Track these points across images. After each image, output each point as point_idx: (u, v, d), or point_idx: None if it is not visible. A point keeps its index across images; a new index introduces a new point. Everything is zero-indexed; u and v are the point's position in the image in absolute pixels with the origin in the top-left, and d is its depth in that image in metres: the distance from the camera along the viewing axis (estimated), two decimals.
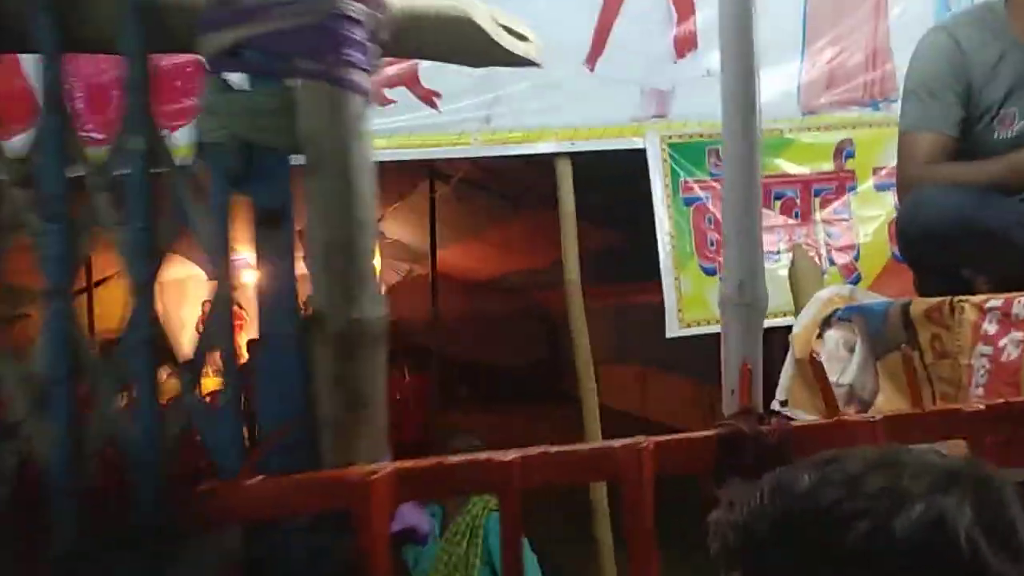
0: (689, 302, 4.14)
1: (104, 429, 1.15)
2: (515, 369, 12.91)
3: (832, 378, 1.85)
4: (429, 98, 4.05)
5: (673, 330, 4.18)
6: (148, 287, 1.23)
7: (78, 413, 1.14)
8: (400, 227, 11.26)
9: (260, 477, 1.06)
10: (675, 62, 4.22)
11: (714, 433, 1.17)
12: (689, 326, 4.16)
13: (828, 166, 4.35)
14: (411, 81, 4.04)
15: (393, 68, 4.01)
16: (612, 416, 11.05)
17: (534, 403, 10.64)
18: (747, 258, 1.33)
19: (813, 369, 1.56)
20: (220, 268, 1.15)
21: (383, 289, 13.30)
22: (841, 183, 4.37)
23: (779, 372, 2.28)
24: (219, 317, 1.19)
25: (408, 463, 1.13)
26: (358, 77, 1.21)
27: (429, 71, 4.04)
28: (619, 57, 4.16)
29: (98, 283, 12.68)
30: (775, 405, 2.13)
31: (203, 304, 17.50)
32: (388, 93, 4.03)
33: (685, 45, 4.17)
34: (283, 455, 1.07)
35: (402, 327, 14.25)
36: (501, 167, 6.41)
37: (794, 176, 4.32)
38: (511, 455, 1.15)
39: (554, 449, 1.19)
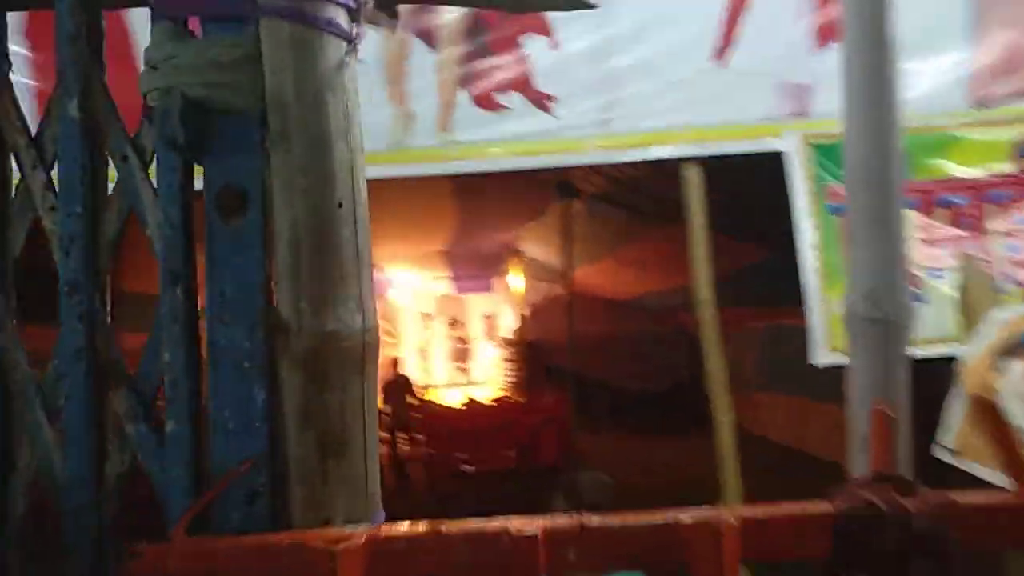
0: (840, 325, 3.62)
1: (31, 465, 0.93)
2: (655, 393, 12.34)
3: (1017, 422, 1.41)
4: (543, 102, 3.79)
5: (820, 357, 3.67)
6: (87, 288, 1.01)
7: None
8: (536, 246, 11.07)
9: (202, 536, 0.81)
10: (815, 52, 3.74)
11: (832, 508, 0.81)
12: (842, 352, 3.63)
13: (1005, 167, 3.70)
14: (523, 84, 3.79)
15: (503, 72, 3.79)
16: (760, 446, 10.36)
17: (674, 430, 10.06)
18: (881, 258, 0.96)
19: (988, 409, 1.15)
20: (175, 265, 0.92)
21: (527, 309, 13.14)
22: (1021, 187, 3.70)
23: (942, 412, 1.82)
24: (172, 329, 0.96)
25: (394, 530, 0.84)
26: (336, 15, 0.94)
27: (544, 73, 3.78)
28: (751, 49, 3.73)
29: None
30: (938, 452, 1.67)
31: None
32: (499, 98, 3.80)
33: (826, 33, 3.69)
34: (239, 506, 0.83)
35: (542, 348, 14.08)
36: (635, 179, 6.06)
37: (963, 180, 3.70)
38: (531, 525, 0.83)
39: (594, 522, 0.86)
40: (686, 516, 0.86)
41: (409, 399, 11.21)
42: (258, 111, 0.92)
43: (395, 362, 12.23)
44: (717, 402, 3.76)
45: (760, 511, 0.86)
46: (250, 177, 0.93)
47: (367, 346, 0.90)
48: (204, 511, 0.82)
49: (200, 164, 0.95)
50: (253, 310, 0.91)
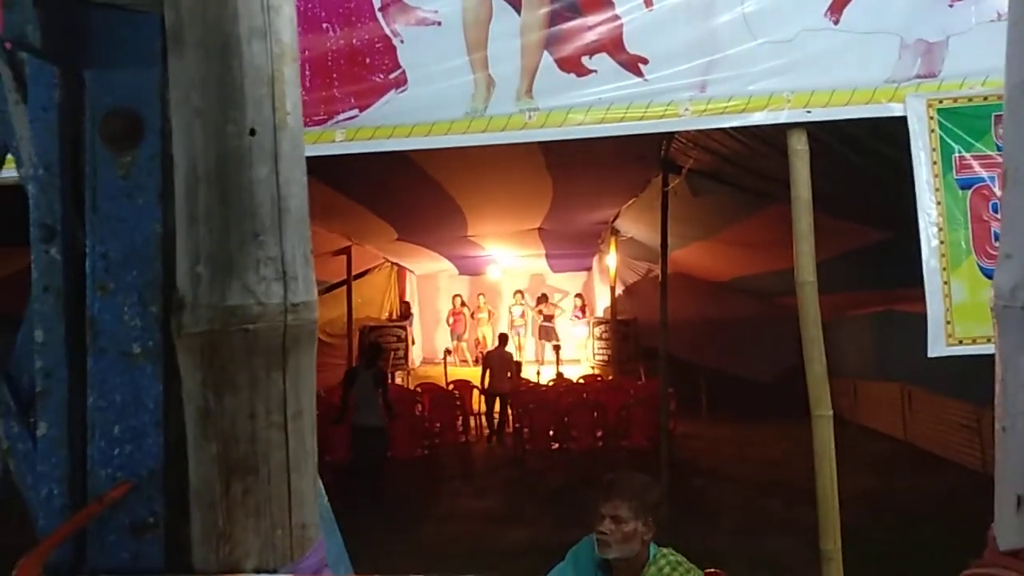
0: (962, 313, 3.23)
1: None
2: (752, 378, 11.84)
3: None
4: (635, 65, 3.50)
5: (938, 348, 3.27)
6: None
7: None
8: (635, 225, 10.73)
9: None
10: (950, 6, 3.31)
11: None
12: (961, 343, 3.24)
13: None
14: (614, 46, 3.51)
15: (592, 33, 3.51)
16: (871, 439, 9.81)
17: (778, 416, 9.59)
18: None
19: None
20: (49, 217, 0.72)
21: (621, 289, 12.90)
22: None
23: None
24: (44, 301, 0.76)
25: None
26: None
27: (636, 33, 3.49)
28: (873, 4, 3.34)
29: (358, 275, 13.59)
30: None
31: (453, 298, 18.26)
32: (587, 62, 3.53)
33: None
34: (124, 539, 0.63)
35: (640, 329, 13.74)
36: (740, 154, 5.67)
37: None
38: None
39: None
40: None
41: (511, 376, 11.43)
42: (159, 8, 0.69)
43: (503, 338, 12.45)
44: (815, 392, 3.42)
45: None
46: (145, 97, 0.70)
47: (292, 330, 0.67)
48: (80, 543, 0.62)
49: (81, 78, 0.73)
50: (145, 276, 0.69)
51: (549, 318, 17.75)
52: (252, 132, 0.68)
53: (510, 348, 12.99)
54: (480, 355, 18.08)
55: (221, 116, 0.67)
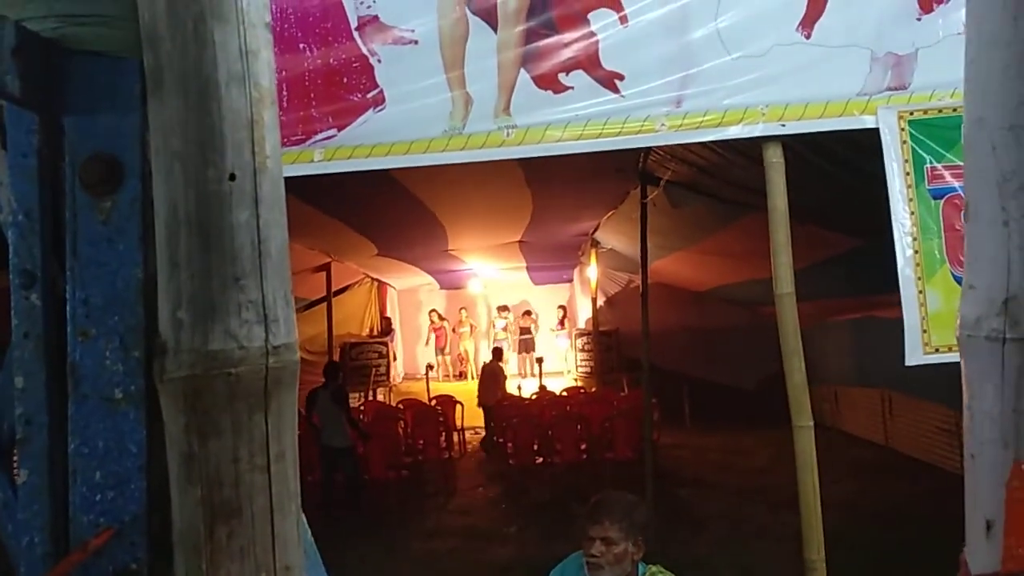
0: (938, 321, 3.27)
1: None
2: (734, 387, 11.90)
3: None
4: (611, 81, 3.53)
5: (915, 356, 3.31)
6: None
7: None
8: (615, 236, 10.79)
9: None
10: (918, 19, 3.37)
11: None
12: (938, 351, 3.28)
13: None
14: (590, 63, 3.54)
15: (569, 49, 3.54)
16: (852, 445, 9.87)
17: (762, 424, 9.64)
18: (1018, 249, 0.70)
19: None
20: (29, 263, 0.71)
21: (602, 300, 12.97)
22: None
23: None
24: (24, 347, 0.75)
25: None
26: None
27: (612, 50, 3.52)
28: (843, 18, 3.39)
29: (338, 292, 13.54)
30: None
31: (430, 313, 18.25)
32: (564, 79, 3.56)
33: None
34: None
35: (622, 340, 13.78)
36: (717, 166, 5.72)
37: None
38: None
39: None
40: None
41: (503, 390, 11.70)
42: (138, 53, 0.69)
43: (497, 352, 12.71)
44: (796, 403, 3.44)
45: None
46: (125, 142, 0.70)
47: (274, 372, 0.67)
48: None
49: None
50: (127, 321, 0.69)
51: (526, 330, 17.81)
52: (232, 176, 0.68)
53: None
54: (463, 370, 18.10)
55: (201, 160, 0.67)
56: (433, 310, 18.66)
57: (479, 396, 11.80)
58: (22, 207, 0.75)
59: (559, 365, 17.13)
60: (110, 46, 0.70)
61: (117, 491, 0.70)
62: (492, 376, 12.02)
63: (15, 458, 0.81)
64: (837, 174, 4.45)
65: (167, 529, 0.69)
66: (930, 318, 3.28)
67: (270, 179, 0.74)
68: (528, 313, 18.26)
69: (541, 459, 9.17)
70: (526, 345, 17.73)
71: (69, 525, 0.75)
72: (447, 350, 18.41)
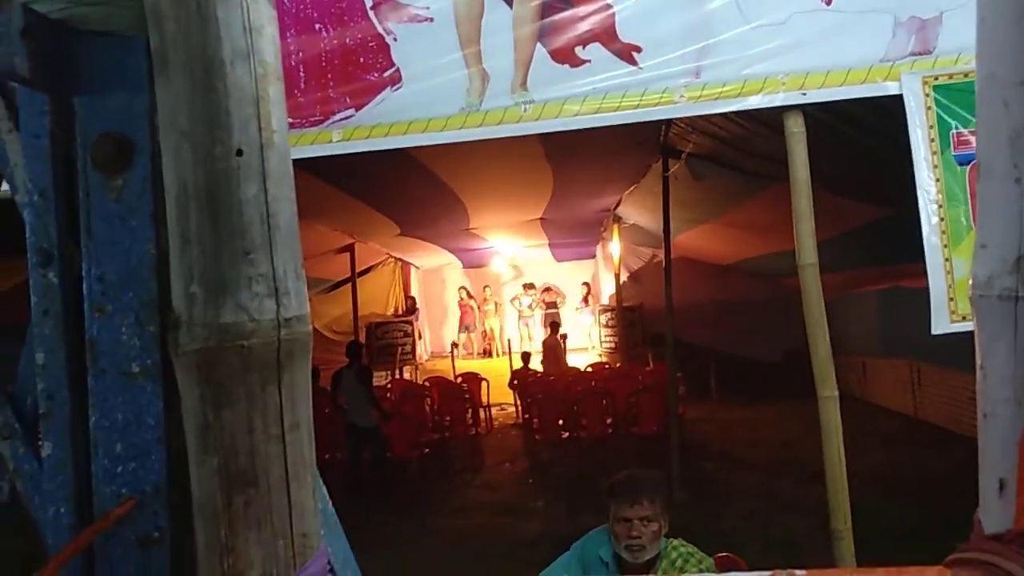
0: (964, 289, 3.22)
1: None
2: (760, 360, 11.83)
3: None
4: (628, 53, 3.49)
5: (941, 324, 3.28)
6: None
7: None
8: (637, 211, 10.73)
9: None
10: None
11: None
12: (964, 319, 3.23)
13: None
14: (607, 36, 3.51)
15: (585, 22, 3.51)
16: (881, 416, 9.80)
17: (788, 397, 9.61)
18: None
19: None
20: (46, 242, 0.73)
21: (626, 275, 12.99)
22: None
23: None
24: (44, 325, 0.77)
25: None
26: None
27: (629, 21, 3.48)
28: None
29: (362, 272, 13.63)
30: None
31: (459, 290, 18.32)
32: (580, 53, 3.53)
33: None
34: (130, 554, 0.65)
35: (646, 315, 13.74)
36: (739, 137, 5.66)
37: None
38: None
39: None
40: None
41: (563, 363, 12.18)
42: (143, 32, 0.70)
43: (555, 327, 13.07)
44: (820, 373, 3.42)
45: None
46: (135, 121, 0.71)
47: (286, 344, 0.68)
48: (89, 559, 0.64)
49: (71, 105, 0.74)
50: (141, 297, 0.71)
51: (552, 305, 17.84)
52: (239, 152, 0.69)
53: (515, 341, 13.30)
54: (487, 347, 18.16)
55: (208, 138, 0.68)
56: (462, 287, 18.72)
57: (544, 371, 12.36)
58: (37, 187, 0.77)
59: (583, 341, 17.11)
60: (117, 25, 0.71)
61: (137, 462, 0.72)
62: (552, 350, 12.66)
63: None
64: (861, 142, 4.38)
65: (187, 499, 0.71)
66: (956, 286, 3.24)
67: (277, 154, 0.75)
68: (549, 289, 18.27)
69: (567, 434, 9.21)
70: (558, 322, 17.80)
71: (92, 496, 0.77)
72: (473, 327, 18.47)
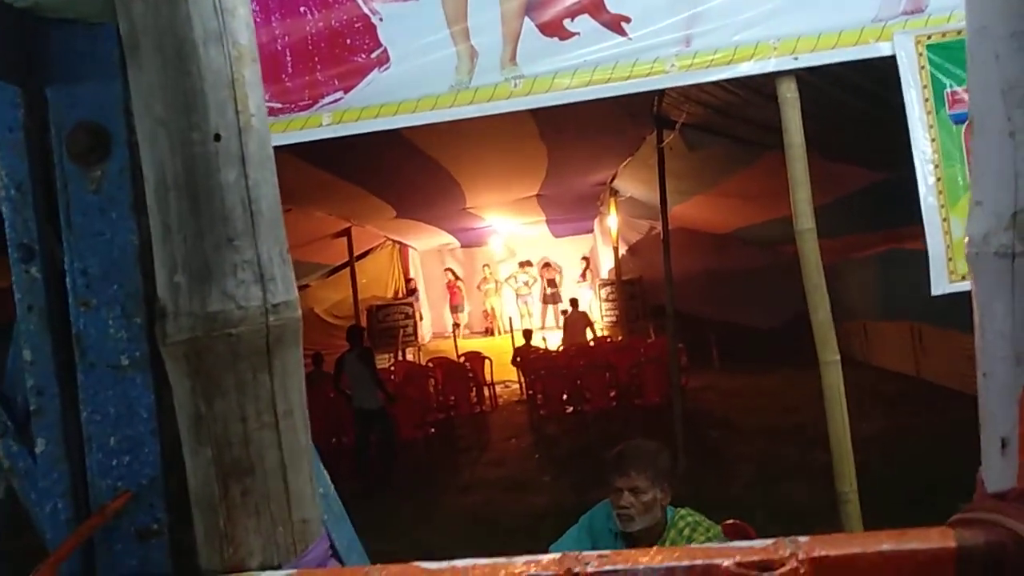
0: (963, 249, 3.20)
1: None
2: (768, 327, 11.85)
3: None
4: (617, 24, 3.46)
5: (941, 285, 3.27)
6: None
7: None
8: (633, 183, 10.69)
9: None
10: None
11: (955, 542, 0.55)
12: (964, 279, 3.22)
13: None
14: (595, 7, 3.47)
15: None
16: (884, 379, 9.83)
17: (789, 363, 9.63)
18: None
19: None
20: (27, 237, 0.72)
21: (624, 248, 12.99)
22: None
23: None
24: (29, 320, 0.76)
25: None
26: None
27: None
28: None
29: (360, 256, 13.61)
30: None
31: (445, 271, 18.29)
32: (569, 25, 3.49)
33: None
34: (130, 546, 0.64)
35: (646, 288, 13.75)
36: (732, 104, 5.62)
37: None
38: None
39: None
40: (754, 553, 0.61)
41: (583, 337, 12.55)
42: (112, 18, 0.68)
43: (575, 302, 13.16)
44: (821, 338, 3.42)
45: (854, 543, 0.61)
46: (110, 110, 0.70)
47: (275, 330, 0.67)
48: (89, 553, 0.64)
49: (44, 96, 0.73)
50: (126, 289, 0.70)
51: (552, 282, 17.85)
52: (217, 137, 0.68)
53: (516, 318, 13.31)
54: (490, 325, 18.19)
55: (184, 123, 0.67)
56: (448, 268, 18.70)
57: (564, 343, 12.58)
58: (13, 181, 0.76)
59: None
60: (85, 12, 0.70)
61: (132, 455, 0.72)
62: (574, 324, 12.85)
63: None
64: (856, 104, 4.35)
65: (184, 489, 0.71)
66: (954, 246, 3.23)
67: (256, 137, 0.73)
68: (548, 265, 18.26)
69: (571, 409, 9.24)
70: (553, 297, 17.80)
71: (89, 490, 0.77)
72: (460, 308, 18.48)
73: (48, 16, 0.70)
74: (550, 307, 17.84)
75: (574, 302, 13.83)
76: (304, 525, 0.73)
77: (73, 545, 0.68)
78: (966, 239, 0.76)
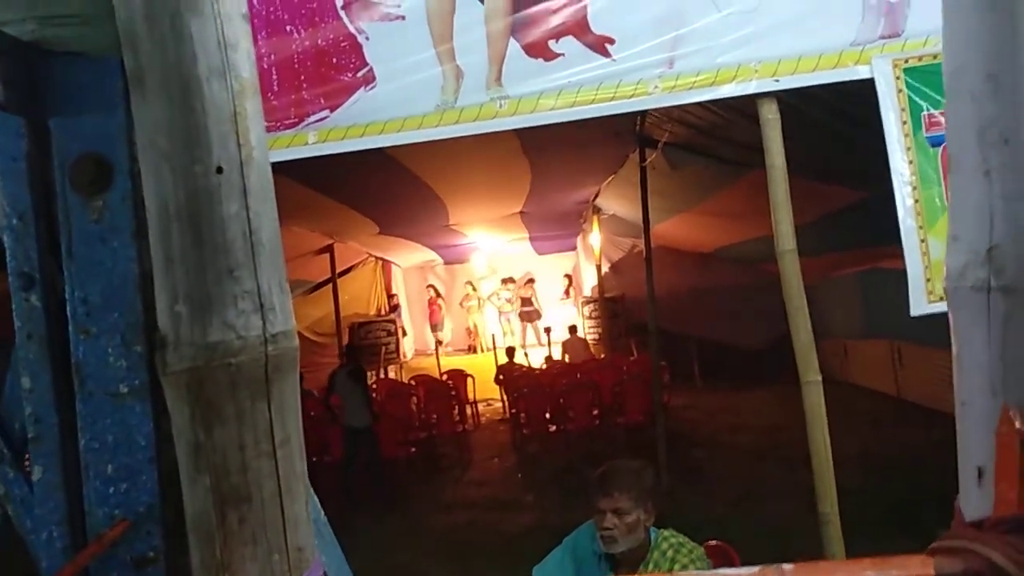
0: (940, 270, 3.26)
1: None
2: (750, 346, 11.92)
3: None
4: (601, 45, 3.50)
5: (920, 306, 3.31)
6: None
7: None
8: (616, 201, 10.76)
9: None
10: None
11: (934, 570, 0.57)
12: (942, 299, 3.27)
13: None
14: (579, 28, 3.51)
15: (558, 16, 3.51)
16: (863, 397, 9.89)
17: (771, 382, 9.70)
18: (1000, 198, 0.70)
19: None
20: (28, 266, 0.72)
21: (607, 266, 13.04)
22: None
23: None
24: (28, 348, 0.76)
25: None
26: None
27: (600, 13, 3.49)
28: None
29: (342, 272, 13.56)
30: None
31: (427, 288, 18.25)
32: (554, 46, 3.53)
33: None
34: (127, 570, 0.65)
35: (629, 305, 13.79)
36: (714, 125, 5.69)
37: None
38: None
39: None
40: None
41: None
42: (117, 52, 0.69)
43: (573, 328, 13.17)
44: (803, 359, 3.45)
45: (838, 571, 0.62)
46: (112, 141, 0.71)
47: (273, 359, 0.68)
48: None
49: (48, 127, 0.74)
50: (126, 317, 0.70)
51: (527, 300, 17.85)
52: (219, 170, 0.69)
53: (498, 336, 13.31)
54: (473, 344, 18.14)
55: (187, 156, 0.68)
56: (430, 285, 18.65)
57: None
58: (16, 211, 0.76)
59: (566, 334, 17.17)
60: (90, 46, 0.71)
61: (129, 483, 0.72)
62: (573, 349, 12.94)
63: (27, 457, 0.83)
64: (835, 126, 4.42)
65: (182, 518, 0.71)
66: (933, 267, 3.28)
67: (257, 170, 0.74)
68: (531, 282, 18.28)
69: (554, 427, 9.23)
70: (528, 315, 17.79)
71: (86, 518, 0.77)
72: (440, 326, 18.41)
73: (53, 49, 0.71)
74: (528, 326, 17.81)
75: (573, 328, 13.85)
76: (300, 553, 0.73)
77: (70, 574, 0.67)
78: (944, 273, 0.79)
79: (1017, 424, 0.64)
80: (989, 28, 0.71)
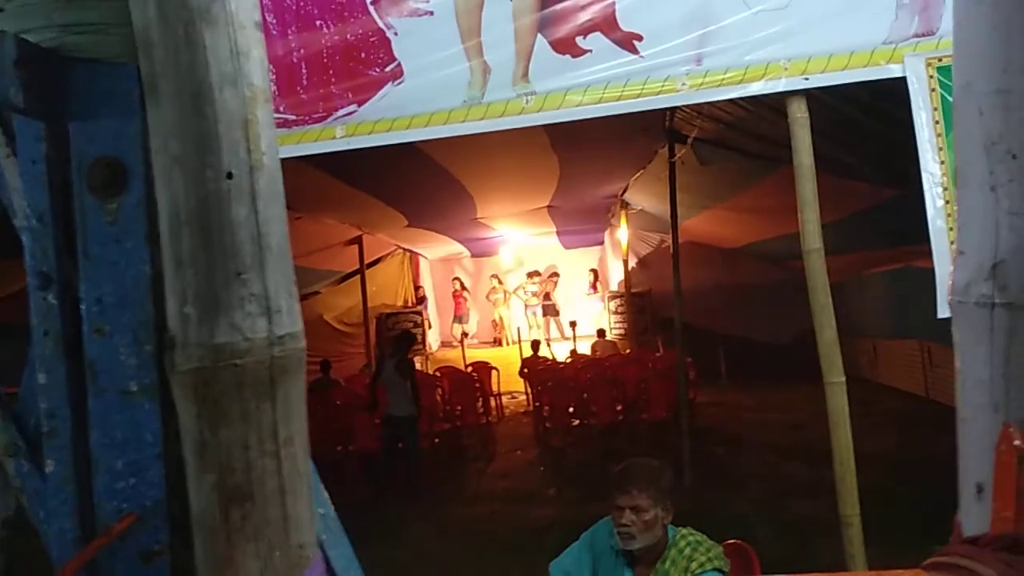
0: None
1: None
2: (777, 342, 11.82)
3: None
4: (629, 42, 3.49)
5: (947, 308, 3.26)
6: None
7: None
8: (644, 197, 10.70)
9: None
10: None
11: None
12: None
13: None
14: (608, 25, 3.50)
15: (586, 12, 3.50)
16: (892, 397, 9.77)
17: (798, 380, 9.61)
18: (1007, 213, 0.69)
19: None
20: (45, 265, 0.74)
21: (634, 261, 12.99)
22: None
23: None
24: (44, 345, 0.78)
25: None
26: None
27: (629, 10, 3.48)
28: None
29: (371, 264, 13.65)
30: None
31: (452, 280, 18.26)
32: (581, 43, 3.52)
33: None
34: (134, 567, 0.67)
35: (655, 301, 13.74)
36: (744, 121, 5.63)
37: None
38: None
39: None
40: None
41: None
42: (134, 58, 0.71)
43: (601, 332, 13.22)
44: (827, 359, 3.42)
45: None
46: (128, 145, 0.73)
47: (279, 361, 0.69)
48: (94, 572, 0.66)
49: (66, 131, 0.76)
50: (138, 317, 0.72)
51: (547, 295, 17.82)
52: (229, 175, 0.70)
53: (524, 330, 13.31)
54: (499, 336, 18.16)
55: (199, 162, 0.70)
56: (456, 278, 18.66)
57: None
58: (35, 211, 0.78)
59: (592, 328, 17.13)
60: (108, 53, 0.72)
61: (138, 478, 0.74)
62: (603, 351, 12.70)
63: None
64: (867, 123, 4.36)
65: (186, 512, 0.73)
66: None
67: (267, 175, 0.76)
68: (555, 275, 18.25)
69: (578, 421, 9.23)
70: (550, 310, 17.78)
71: (95, 511, 0.79)
72: (465, 318, 18.40)
73: (73, 55, 0.72)
74: (552, 320, 17.79)
75: (601, 332, 13.81)
76: (301, 550, 0.75)
77: (78, 565, 0.70)
78: (949, 287, 0.78)
79: (1016, 442, 0.64)
80: (997, 45, 0.70)
